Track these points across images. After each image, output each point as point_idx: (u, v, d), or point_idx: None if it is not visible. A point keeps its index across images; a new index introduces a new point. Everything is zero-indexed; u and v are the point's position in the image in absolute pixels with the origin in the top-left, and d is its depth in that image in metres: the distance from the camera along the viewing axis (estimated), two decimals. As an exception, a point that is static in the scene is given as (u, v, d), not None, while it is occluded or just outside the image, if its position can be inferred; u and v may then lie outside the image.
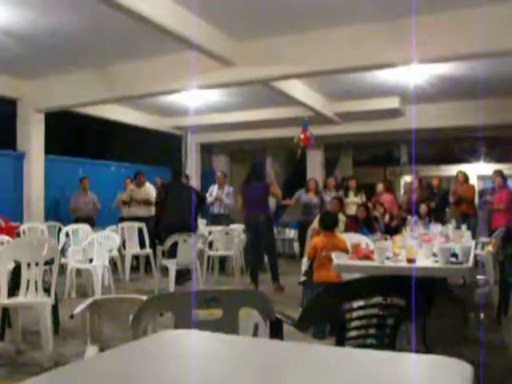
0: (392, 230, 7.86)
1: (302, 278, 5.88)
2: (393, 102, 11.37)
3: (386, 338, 2.76)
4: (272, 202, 9.40)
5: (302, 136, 11.17)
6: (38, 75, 9.79)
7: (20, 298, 4.74)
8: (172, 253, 7.89)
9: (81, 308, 3.39)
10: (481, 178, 14.59)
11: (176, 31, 6.69)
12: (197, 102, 11.43)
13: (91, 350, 3.31)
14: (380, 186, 11.13)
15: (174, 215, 8.66)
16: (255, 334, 2.53)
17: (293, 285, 7.04)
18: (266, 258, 8.71)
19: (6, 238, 7.39)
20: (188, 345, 1.65)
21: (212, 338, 1.70)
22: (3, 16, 6.95)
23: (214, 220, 10.71)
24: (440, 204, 10.80)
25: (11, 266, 5.02)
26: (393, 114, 11.93)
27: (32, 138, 10.57)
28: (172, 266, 7.64)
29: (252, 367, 1.39)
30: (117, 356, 1.51)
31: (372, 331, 2.93)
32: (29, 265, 4.79)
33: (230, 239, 9.44)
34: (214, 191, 10.86)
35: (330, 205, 8.69)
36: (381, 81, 9.71)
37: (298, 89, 10.10)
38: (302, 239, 9.48)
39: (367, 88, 10.32)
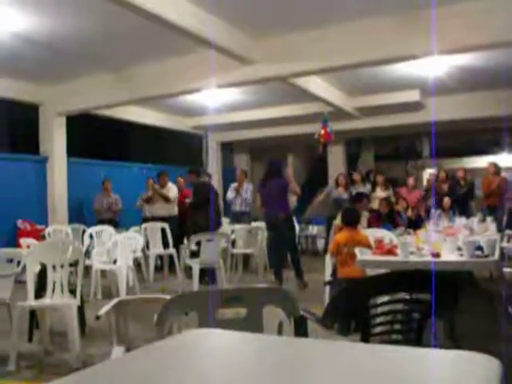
0: (415, 225, 7.79)
1: (328, 278, 5.85)
2: (413, 95, 11.27)
3: (411, 334, 2.74)
4: (293, 199, 9.36)
5: (323, 132, 11.15)
6: (58, 80, 9.88)
7: (46, 300, 4.80)
8: (195, 252, 7.93)
9: (106, 309, 3.41)
10: (505, 169, 14.37)
11: (193, 31, 6.70)
12: (216, 101, 11.44)
13: (117, 351, 3.33)
14: (411, 180, 10.99)
15: (202, 214, 8.70)
16: (280, 331, 2.52)
17: (317, 282, 7.01)
18: (289, 256, 8.69)
19: (31, 240, 7.51)
20: (212, 344, 1.65)
21: (236, 337, 1.70)
22: (22, 24, 7.03)
23: (236, 218, 10.74)
24: (466, 196, 10.64)
25: (37, 268, 5.09)
26: (414, 106, 11.83)
27: (54, 141, 10.69)
28: (196, 265, 7.66)
29: (277, 365, 1.38)
30: (142, 356, 1.51)
31: (397, 327, 2.91)
32: (54, 267, 4.85)
33: (252, 237, 9.45)
34: (232, 189, 10.94)
35: (359, 203, 8.57)
36: (400, 74, 9.62)
37: (317, 84, 10.06)
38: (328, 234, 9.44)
39: (387, 81, 10.24)
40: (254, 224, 10.38)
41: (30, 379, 4.18)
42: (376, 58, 7.58)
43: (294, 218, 8.95)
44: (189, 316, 2.49)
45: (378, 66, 8.74)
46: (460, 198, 10.30)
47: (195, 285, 7.55)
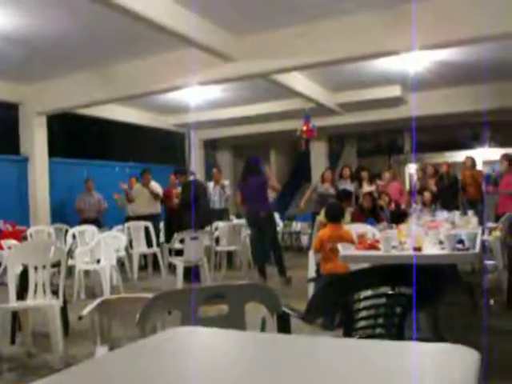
0: (398, 219, 7.83)
1: (312, 275, 5.86)
2: (394, 91, 11.34)
3: (394, 328, 2.75)
4: (271, 195, 9.40)
5: (305, 128, 11.18)
6: (38, 79, 9.80)
7: (28, 301, 4.76)
8: (179, 250, 7.92)
9: (89, 309, 3.39)
10: (486, 163, 14.50)
11: (174, 28, 6.69)
12: (198, 98, 11.43)
13: (101, 351, 3.31)
14: (387, 175, 11.06)
15: (187, 212, 8.67)
16: (263, 328, 2.52)
17: (301, 278, 7.03)
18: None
19: (13, 242, 7.44)
20: (194, 342, 1.65)
21: (218, 335, 1.70)
22: (0, 22, 6.95)
23: (217, 216, 10.72)
24: (452, 190, 10.67)
25: (19, 269, 5.04)
26: (395, 102, 11.90)
27: (35, 141, 10.60)
28: (180, 263, 7.65)
29: (260, 362, 1.38)
30: (124, 355, 1.51)
31: (380, 321, 2.92)
32: (36, 268, 4.81)
33: (236, 234, 9.46)
34: (210, 188, 10.95)
35: (346, 201, 8.59)
36: (381, 69, 9.67)
37: (298, 81, 10.08)
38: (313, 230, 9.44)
39: (368, 77, 10.28)
40: (237, 221, 10.37)
41: (12, 381, 4.14)
42: (357, 54, 7.62)
43: (277, 215, 8.97)
44: (172, 314, 2.49)
45: (360, 62, 8.77)
46: (447, 193, 10.33)
47: (179, 283, 7.54)
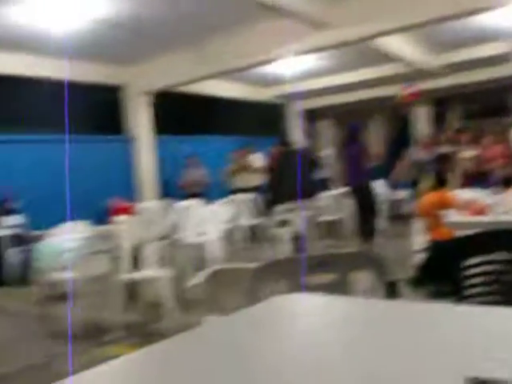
0: (506, 183, 7.47)
1: (416, 243, 5.72)
2: (501, 47, 10.71)
3: (508, 295, 2.64)
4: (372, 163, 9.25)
5: (406, 92, 10.87)
6: (140, 60, 10.11)
7: (141, 273, 4.99)
8: (284, 221, 7.98)
9: (199, 279, 3.50)
10: None
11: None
12: (295, 68, 11.35)
13: (211, 320, 3.42)
14: (488, 139, 10.55)
15: (290, 183, 8.72)
16: (369, 296, 2.50)
17: (402, 247, 6.88)
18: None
19: (124, 218, 7.79)
20: (301, 307, 1.67)
21: (326, 301, 1.70)
22: (104, 9, 7.24)
23: (320, 186, 10.69)
24: None
25: (130, 243, 5.29)
26: (503, 59, 11.25)
27: (140, 120, 10.99)
28: (284, 234, 7.72)
29: (370, 327, 1.38)
30: (232, 322, 1.55)
31: (493, 288, 2.82)
32: (147, 241, 5.03)
33: (339, 203, 9.39)
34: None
35: (446, 164, 8.34)
36: (487, 25, 9.15)
37: (397, 44, 9.75)
38: (415, 198, 9.24)
39: (472, 34, 9.78)
40: (340, 190, 10.30)
41: (129, 346, 4.37)
42: (461, 10, 7.22)
43: (382, 182, 8.81)
44: (278, 283, 2.52)
45: (462, 19, 8.33)
46: None
47: (285, 252, 7.60)
